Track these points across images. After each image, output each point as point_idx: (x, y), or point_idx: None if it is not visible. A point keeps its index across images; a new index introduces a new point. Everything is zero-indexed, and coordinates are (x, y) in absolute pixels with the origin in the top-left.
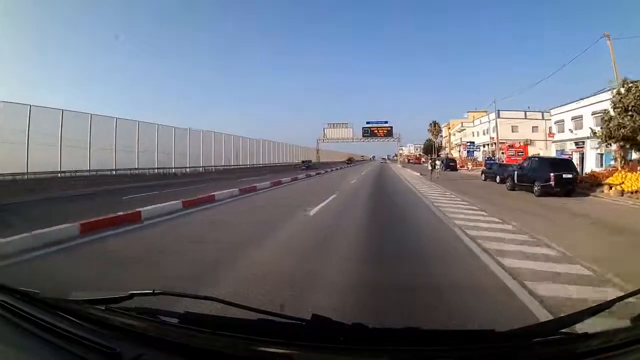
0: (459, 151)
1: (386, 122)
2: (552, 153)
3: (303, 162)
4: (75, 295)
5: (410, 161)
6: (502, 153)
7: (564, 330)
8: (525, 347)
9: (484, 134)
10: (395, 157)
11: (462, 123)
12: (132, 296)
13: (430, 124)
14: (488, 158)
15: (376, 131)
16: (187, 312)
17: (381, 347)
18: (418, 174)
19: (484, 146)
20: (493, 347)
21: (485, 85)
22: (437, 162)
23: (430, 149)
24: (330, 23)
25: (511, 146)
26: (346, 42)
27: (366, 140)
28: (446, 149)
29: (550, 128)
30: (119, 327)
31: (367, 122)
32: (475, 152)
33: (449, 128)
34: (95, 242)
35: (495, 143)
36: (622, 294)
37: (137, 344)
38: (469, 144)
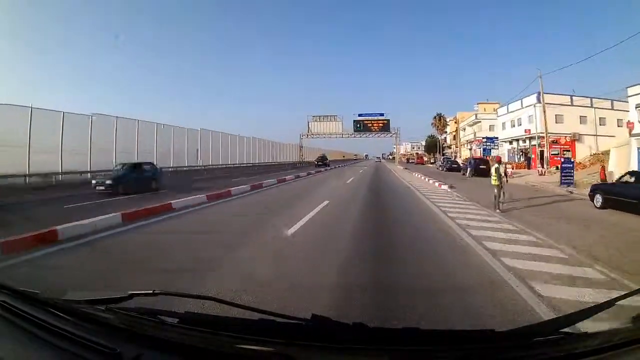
0: (471, 149)
1: (382, 115)
2: (632, 151)
3: (119, 166)
4: (75, 296)
5: (411, 161)
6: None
7: (564, 330)
8: (525, 346)
9: (512, 126)
10: (391, 156)
11: (475, 115)
12: (131, 296)
13: (434, 118)
14: (566, 159)
15: (370, 125)
16: (186, 312)
17: (381, 347)
18: (446, 187)
19: (510, 143)
20: (493, 347)
21: (486, 85)
22: (502, 169)
23: (434, 146)
24: (330, 23)
25: (555, 142)
26: (346, 42)
27: (358, 135)
28: (452, 146)
29: (601, 119)
30: (119, 327)
31: (360, 115)
32: (492, 150)
33: (456, 122)
34: None
35: (534, 137)
36: (622, 293)
37: (137, 344)
38: (485, 139)
